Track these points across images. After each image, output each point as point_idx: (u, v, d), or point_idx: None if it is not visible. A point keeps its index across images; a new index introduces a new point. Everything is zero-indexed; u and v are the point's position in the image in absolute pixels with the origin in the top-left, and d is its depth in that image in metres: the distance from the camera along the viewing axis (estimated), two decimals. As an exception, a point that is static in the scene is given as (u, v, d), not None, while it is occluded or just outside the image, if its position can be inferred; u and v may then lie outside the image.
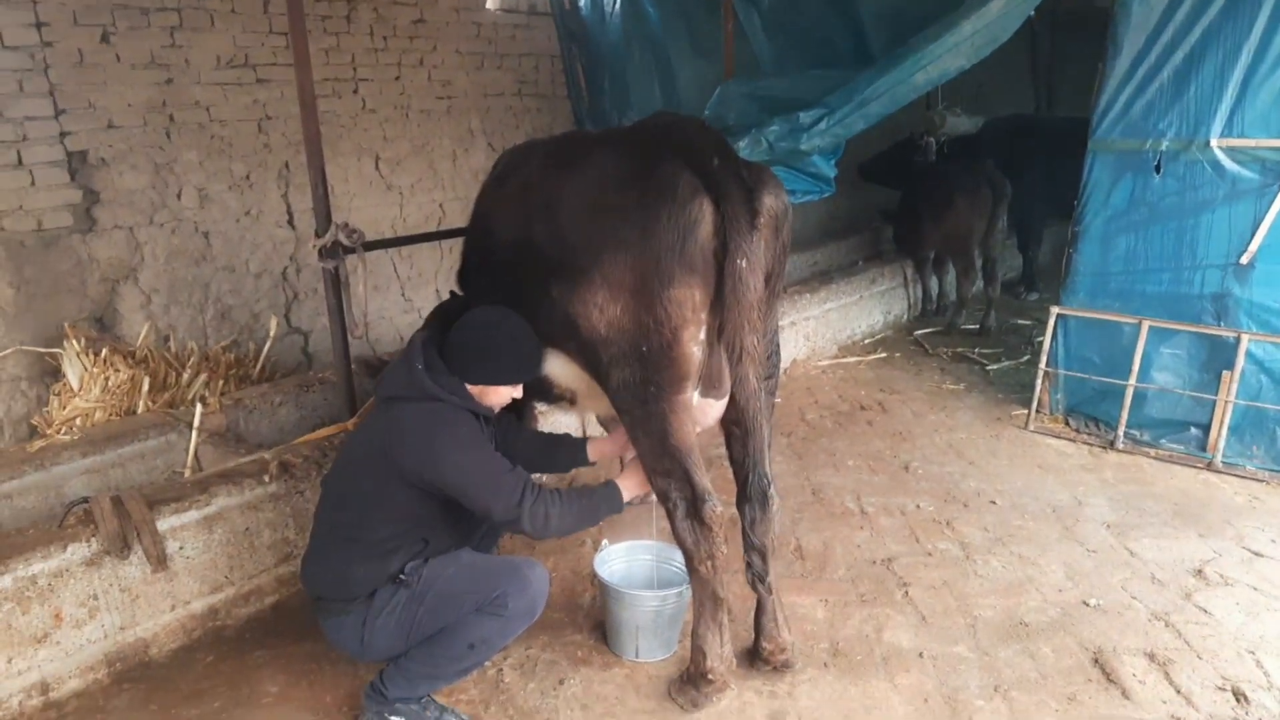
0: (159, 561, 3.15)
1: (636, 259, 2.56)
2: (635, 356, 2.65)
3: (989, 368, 6.33)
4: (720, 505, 2.70)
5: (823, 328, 6.61)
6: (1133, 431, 4.92)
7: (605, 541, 3.34)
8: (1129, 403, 4.84)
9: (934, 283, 7.82)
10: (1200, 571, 3.64)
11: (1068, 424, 5.22)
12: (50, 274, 4.66)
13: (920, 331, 7.29)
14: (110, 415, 4.23)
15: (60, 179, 4.68)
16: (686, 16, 6.43)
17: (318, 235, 3.68)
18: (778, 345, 2.94)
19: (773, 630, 2.94)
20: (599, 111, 6.99)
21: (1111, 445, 4.89)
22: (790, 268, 7.68)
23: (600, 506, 2.80)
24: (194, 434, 4.03)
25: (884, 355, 6.72)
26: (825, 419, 5.44)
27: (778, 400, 5.66)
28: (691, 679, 2.86)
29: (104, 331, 4.87)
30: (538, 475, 3.47)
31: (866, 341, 7.10)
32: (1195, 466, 4.62)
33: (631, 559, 3.35)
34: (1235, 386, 4.54)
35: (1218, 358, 4.63)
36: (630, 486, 2.87)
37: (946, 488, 4.45)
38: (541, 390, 3.27)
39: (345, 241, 3.65)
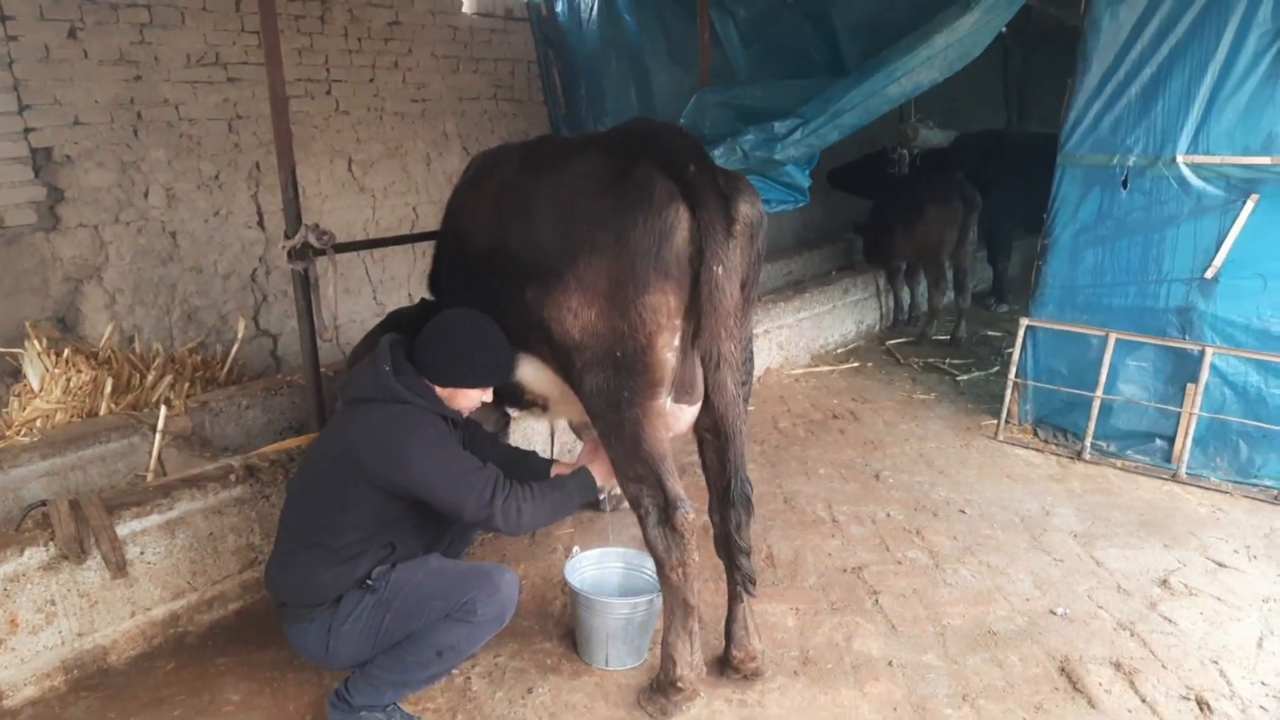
0: (118, 568, 3.08)
1: (611, 264, 2.55)
2: (609, 362, 2.64)
3: (959, 378, 6.38)
4: (693, 512, 2.69)
5: (796, 336, 6.63)
6: (1100, 442, 4.97)
7: (576, 548, 3.32)
8: (1096, 414, 4.90)
9: (905, 293, 7.88)
10: (1165, 581, 3.68)
11: (1036, 434, 5.27)
12: (12, 272, 4.57)
13: (892, 341, 7.34)
14: (72, 417, 4.14)
15: (24, 175, 4.59)
16: (663, 24, 6.44)
17: (287, 236, 3.63)
18: (752, 352, 2.93)
19: (743, 638, 2.93)
20: (575, 117, 6.99)
21: (1079, 456, 4.94)
22: (765, 276, 7.68)
23: (574, 495, 2.79)
24: (158, 437, 3.95)
25: (856, 364, 6.76)
26: (798, 427, 5.45)
27: (750, 409, 5.70)
28: (661, 687, 2.84)
29: (67, 331, 4.78)
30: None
31: (839, 351, 7.14)
32: (1160, 478, 4.68)
33: (602, 566, 3.33)
34: (1199, 399, 4.60)
35: (1183, 370, 4.69)
36: (602, 472, 2.86)
37: (916, 496, 4.47)
38: (513, 396, 3.24)
39: (315, 243, 3.60)
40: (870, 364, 6.79)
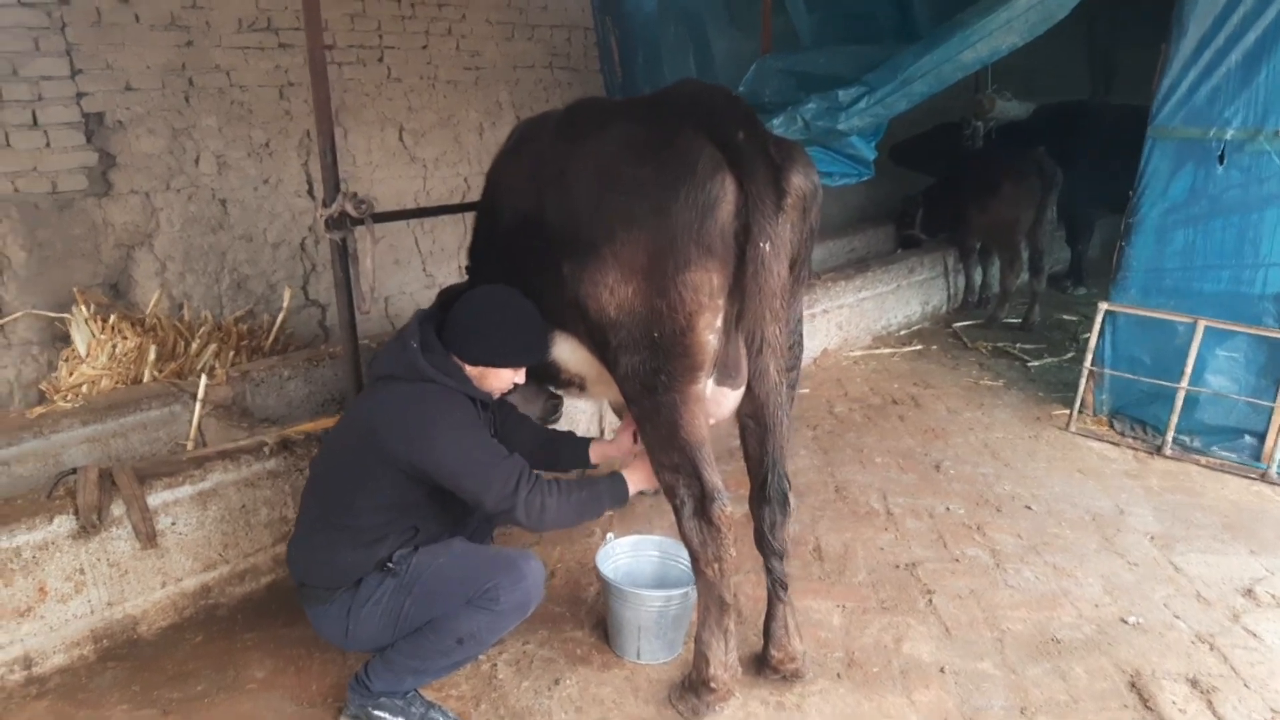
0: (149, 538, 3.04)
1: (651, 238, 2.37)
2: (646, 343, 2.46)
3: (1030, 364, 6.05)
4: (730, 505, 2.51)
5: (856, 317, 6.36)
6: (1182, 437, 4.63)
7: (610, 535, 3.17)
8: (1179, 406, 4.56)
9: (978, 274, 7.51)
10: (1250, 591, 3.39)
11: (1112, 427, 4.94)
12: (64, 238, 4.58)
13: (959, 324, 7.01)
14: (117, 383, 4.14)
15: (76, 141, 4.58)
16: (725, -12, 6.18)
17: (325, 205, 3.53)
18: (801, 335, 2.73)
19: (783, 638, 2.75)
20: (632, 86, 6.76)
21: (1158, 451, 4.62)
22: (826, 254, 7.45)
23: (603, 499, 2.63)
24: (198, 406, 3.92)
25: (920, 347, 6.46)
26: (854, 412, 5.21)
27: (804, 391, 5.48)
28: (693, 686, 2.69)
29: (118, 298, 4.79)
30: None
31: (902, 333, 6.84)
32: (1248, 477, 4.34)
33: (637, 554, 3.18)
34: (1295, 394, 4.25)
35: (1278, 363, 4.33)
36: (637, 480, 2.71)
37: (979, 490, 4.21)
38: (549, 376, 3.11)
39: (353, 212, 3.49)
40: (935, 347, 6.48)
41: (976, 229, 7.02)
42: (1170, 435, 4.59)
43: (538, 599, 2.58)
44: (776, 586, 2.68)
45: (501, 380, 2.67)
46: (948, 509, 4.03)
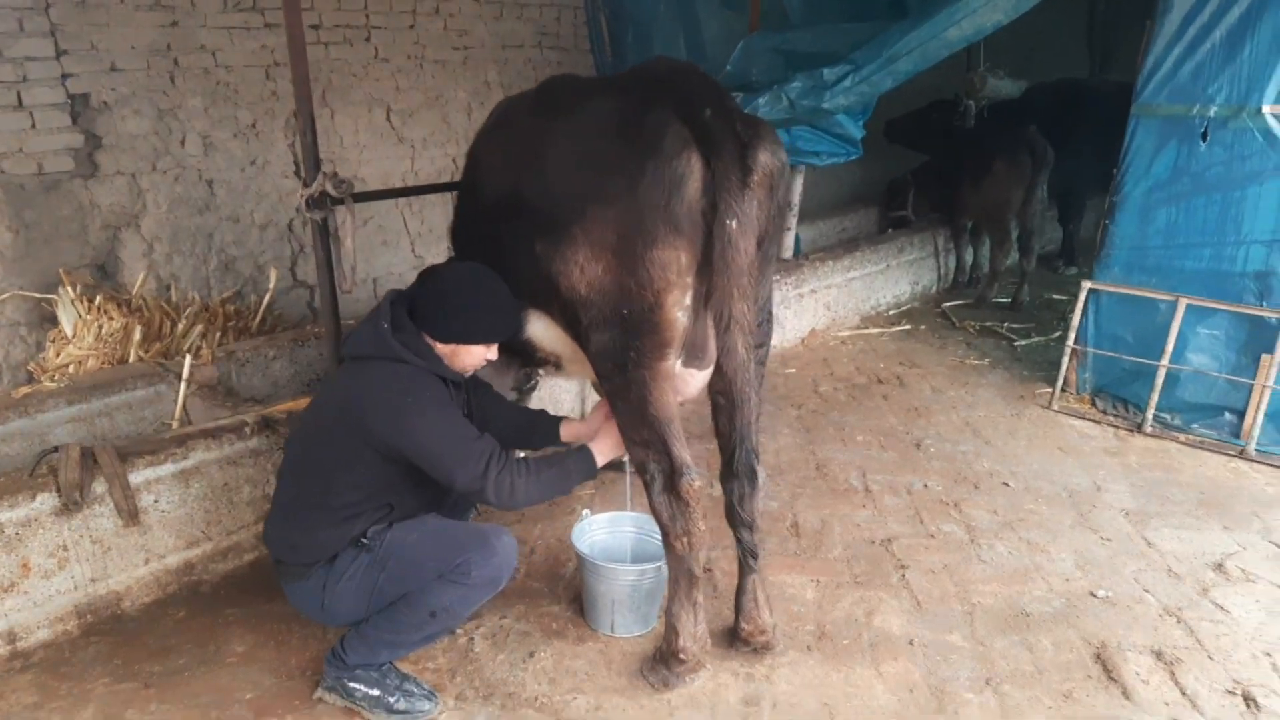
0: (130, 515, 3.08)
1: (619, 215, 2.40)
2: (616, 320, 2.50)
3: (1017, 343, 6.07)
4: (699, 480, 2.55)
5: (845, 297, 6.38)
6: (1163, 415, 4.66)
7: (586, 511, 3.21)
8: (1160, 384, 4.59)
9: (969, 254, 7.51)
10: (1221, 565, 3.43)
11: (1094, 405, 4.97)
12: (51, 218, 4.60)
13: (949, 304, 7.02)
14: (103, 363, 4.18)
15: (61, 122, 4.60)
16: (715, -34, 6.16)
17: (305, 185, 3.55)
18: (770, 313, 2.75)
19: (752, 610, 2.80)
20: (622, 65, 6.75)
21: (1139, 428, 4.65)
22: (817, 233, 7.46)
23: (572, 475, 2.67)
24: (183, 386, 3.96)
25: (908, 327, 6.48)
26: (839, 392, 5.24)
27: (790, 371, 5.51)
28: (664, 658, 2.74)
29: (106, 279, 4.82)
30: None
31: (891, 312, 6.86)
32: (1227, 454, 4.37)
33: (613, 531, 3.22)
34: (1275, 371, 4.27)
35: (1258, 340, 4.36)
36: (604, 450, 2.74)
37: (958, 467, 4.25)
38: (524, 354, 3.13)
39: (332, 192, 3.50)
40: (923, 327, 6.51)
41: (969, 208, 7.02)
42: (1151, 413, 4.62)
43: (509, 573, 2.62)
44: (746, 557, 2.72)
45: (474, 357, 2.70)
46: (926, 486, 4.07)
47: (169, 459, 3.23)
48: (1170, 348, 4.54)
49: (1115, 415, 4.85)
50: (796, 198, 6.05)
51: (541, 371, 3.50)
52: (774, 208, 2.50)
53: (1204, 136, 4.37)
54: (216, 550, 3.40)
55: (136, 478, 3.14)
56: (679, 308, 2.46)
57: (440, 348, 2.65)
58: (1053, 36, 9.32)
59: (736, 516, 2.67)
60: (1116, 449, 4.48)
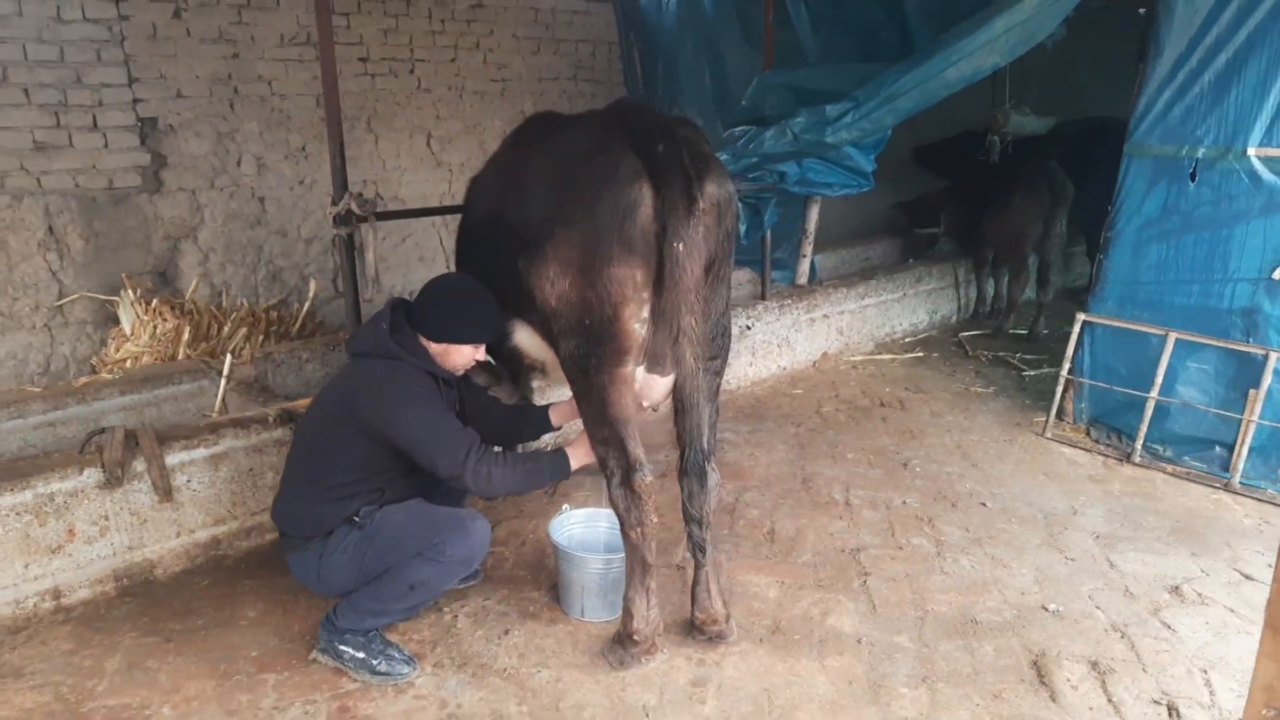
0: (165, 493, 3.47)
1: (580, 236, 2.70)
2: (580, 329, 2.80)
3: (1026, 373, 6.20)
4: (650, 475, 2.83)
5: (859, 323, 6.58)
6: (1155, 446, 4.77)
7: (566, 506, 3.51)
8: (1149, 415, 4.70)
9: (989, 285, 7.64)
10: (1177, 588, 3.56)
11: (1089, 434, 5.10)
12: (118, 229, 5.11)
13: (966, 333, 7.17)
14: (156, 359, 4.63)
15: (131, 142, 5.12)
16: (739, 5, 6.48)
17: (333, 203, 3.95)
18: (725, 329, 3.01)
19: (705, 600, 3.05)
20: (652, 96, 7.12)
21: (1128, 458, 4.77)
22: (839, 261, 7.67)
23: (545, 471, 2.97)
24: (223, 382, 4.37)
25: (921, 355, 6.65)
26: (840, 413, 5.45)
27: (798, 392, 5.74)
28: (620, 639, 3.00)
29: (165, 285, 5.31)
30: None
31: (907, 340, 7.03)
32: (1212, 485, 4.47)
33: (590, 524, 3.50)
34: (1261, 405, 4.37)
35: (1245, 375, 4.45)
36: (579, 454, 3.03)
37: (940, 486, 4.43)
38: (514, 361, 3.46)
39: (357, 210, 3.90)
40: (936, 355, 6.67)
41: (989, 239, 7.17)
42: (1139, 443, 4.74)
43: (482, 554, 2.93)
44: (696, 551, 2.97)
45: (463, 357, 3.03)
46: (905, 502, 4.26)
47: (202, 444, 3.63)
48: (1160, 380, 4.66)
49: (1107, 445, 4.97)
50: (812, 226, 6.30)
51: (535, 385, 3.82)
52: (723, 233, 2.77)
53: (1193, 177, 4.51)
54: (241, 528, 3.78)
55: (172, 459, 3.54)
56: (636, 320, 2.75)
57: (433, 347, 2.99)
58: (1104, 75, 9.39)
59: (687, 512, 2.93)
60: (1102, 476, 4.61)
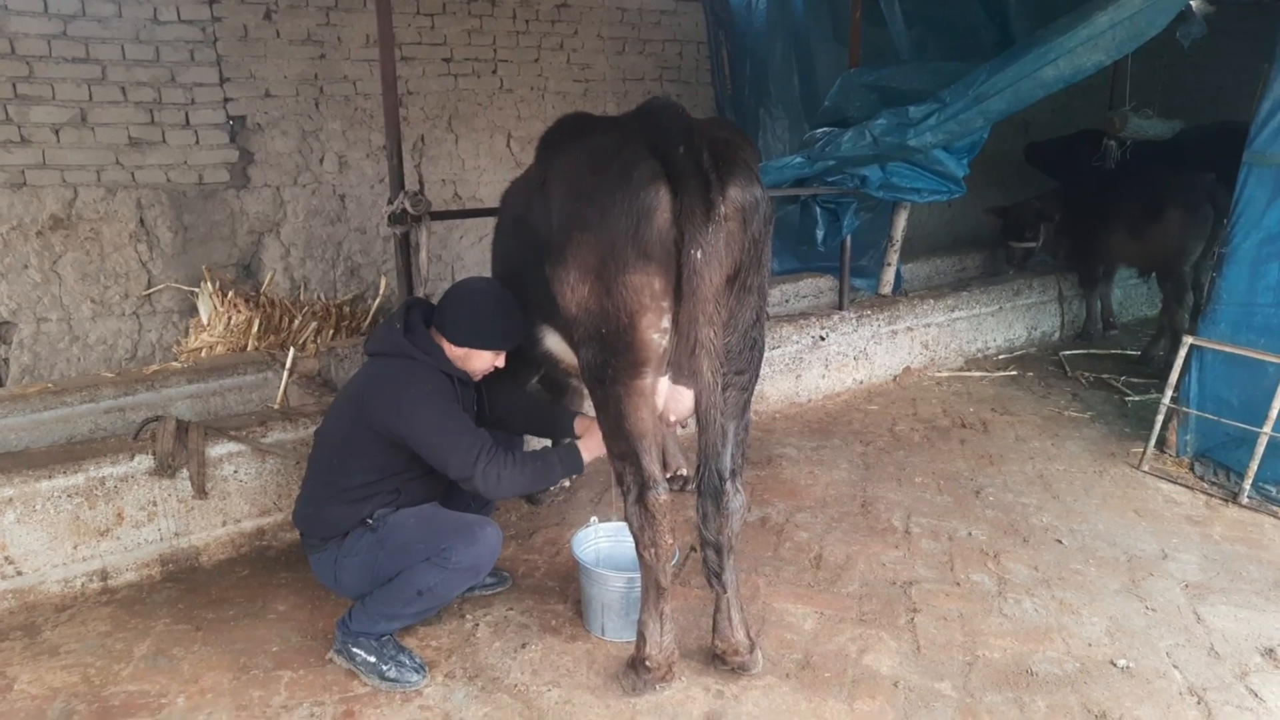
0: (200, 489, 3.54)
1: (596, 241, 2.58)
2: (597, 338, 2.68)
3: (1129, 398, 5.72)
4: (665, 494, 2.68)
5: (947, 337, 6.23)
6: (1267, 487, 4.30)
7: (594, 519, 3.40)
8: (1261, 452, 4.23)
9: (1098, 302, 7.09)
10: (1272, 651, 3.16)
11: (1192, 470, 4.63)
12: (206, 222, 5.31)
13: (1068, 352, 6.67)
14: (228, 350, 4.78)
15: (221, 140, 5.31)
16: (830, 3, 6.24)
17: (389, 203, 3.97)
18: (755, 342, 2.82)
19: (725, 629, 2.88)
20: (740, 99, 6.95)
21: (1234, 499, 4.30)
22: (931, 270, 7.29)
23: (556, 467, 2.88)
24: (285, 374, 4.46)
25: (1015, 373, 6.23)
26: (915, 433, 5.15)
27: (872, 408, 5.46)
28: (633, 664, 2.87)
29: (248, 278, 5.50)
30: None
31: (1000, 357, 6.61)
32: (1332, 535, 3.98)
33: (617, 539, 3.38)
34: (1394, 449, 3.87)
35: (1377, 413, 3.96)
36: (590, 448, 2.93)
37: (1012, 519, 4.10)
38: (550, 365, 3.38)
39: (411, 210, 3.91)
40: (1031, 374, 6.24)
41: (1119, 254, 6.56)
42: (1248, 483, 4.27)
43: (490, 562, 2.86)
44: (712, 578, 2.80)
45: (483, 362, 2.97)
46: (970, 534, 3.96)
47: (250, 436, 3.70)
48: (1275, 414, 4.19)
49: (1212, 483, 4.50)
50: (899, 233, 5.98)
51: (574, 383, 3.74)
52: (748, 240, 2.59)
53: (1323, 188, 4.04)
54: (285, 520, 3.83)
55: (221, 450, 3.61)
56: (654, 330, 2.60)
57: (454, 350, 2.94)
58: (1241, 73, 8.63)
59: (701, 535, 2.76)
60: (1202, 518, 4.17)
